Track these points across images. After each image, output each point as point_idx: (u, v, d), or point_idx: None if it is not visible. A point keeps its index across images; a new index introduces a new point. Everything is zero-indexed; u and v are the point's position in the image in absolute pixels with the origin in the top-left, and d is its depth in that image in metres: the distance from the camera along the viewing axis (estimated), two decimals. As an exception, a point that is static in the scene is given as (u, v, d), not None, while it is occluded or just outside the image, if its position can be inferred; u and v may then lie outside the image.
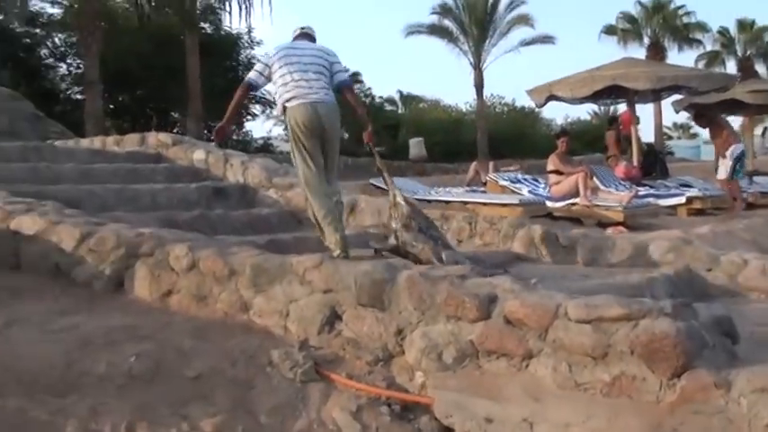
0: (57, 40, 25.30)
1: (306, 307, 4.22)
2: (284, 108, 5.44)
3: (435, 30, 29.44)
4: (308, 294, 4.25)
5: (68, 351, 3.78)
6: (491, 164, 13.93)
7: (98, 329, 4.09)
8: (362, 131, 5.71)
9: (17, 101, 14.01)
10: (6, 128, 12.81)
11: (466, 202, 10.09)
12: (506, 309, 3.54)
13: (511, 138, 29.84)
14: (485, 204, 9.78)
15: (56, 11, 24.40)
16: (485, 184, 12.27)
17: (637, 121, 13.96)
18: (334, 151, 5.52)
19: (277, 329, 4.27)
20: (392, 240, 5.21)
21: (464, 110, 36.32)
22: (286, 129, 5.75)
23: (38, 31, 24.52)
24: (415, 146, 20.63)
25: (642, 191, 11.16)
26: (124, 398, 3.46)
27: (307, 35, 5.80)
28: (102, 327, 4.14)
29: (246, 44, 27.29)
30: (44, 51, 25.21)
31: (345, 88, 5.60)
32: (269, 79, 5.55)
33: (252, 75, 5.61)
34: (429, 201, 10.19)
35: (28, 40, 24.09)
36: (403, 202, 5.26)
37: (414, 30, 29.31)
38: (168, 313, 4.54)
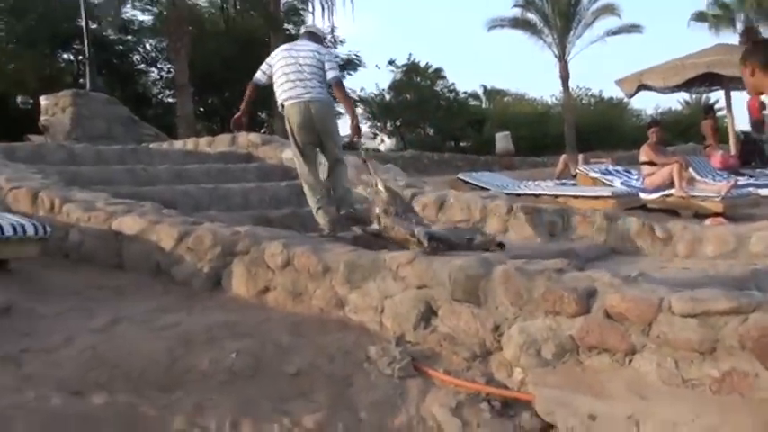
0: (148, 45, 26.26)
1: (400, 303, 4.20)
2: (282, 106, 6.09)
3: (518, 23, 29.08)
4: (402, 290, 4.23)
5: (172, 348, 3.85)
6: (581, 156, 13.65)
7: (199, 326, 4.16)
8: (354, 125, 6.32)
9: (113, 105, 14.52)
10: (104, 132, 13.36)
11: (557, 196, 9.90)
12: (606, 303, 3.45)
13: (599, 130, 29.36)
14: (576, 197, 9.57)
15: (146, 18, 25.27)
16: (575, 176, 12.02)
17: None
18: (329, 141, 6.12)
19: (372, 325, 4.27)
20: (375, 225, 5.59)
21: (550, 103, 35.94)
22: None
23: (130, 37, 25.45)
24: (502, 140, 20.41)
25: (741, 180, 10.74)
26: (227, 393, 3.51)
27: (309, 34, 6.41)
28: (202, 324, 4.21)
29: (329, 43, 27.53)
30: (136, 57, 26.20)
31: (334, 85, 6.13)
32: (271, 78, 6.18)
33: (257, 74, 6.35)
34: (518, 195, 10.03)
35: (121, 47, 25.04)
36: (383, 190, 5.67)
37: (496, 24, 29.02)
38: (265, 310, 4.59)
